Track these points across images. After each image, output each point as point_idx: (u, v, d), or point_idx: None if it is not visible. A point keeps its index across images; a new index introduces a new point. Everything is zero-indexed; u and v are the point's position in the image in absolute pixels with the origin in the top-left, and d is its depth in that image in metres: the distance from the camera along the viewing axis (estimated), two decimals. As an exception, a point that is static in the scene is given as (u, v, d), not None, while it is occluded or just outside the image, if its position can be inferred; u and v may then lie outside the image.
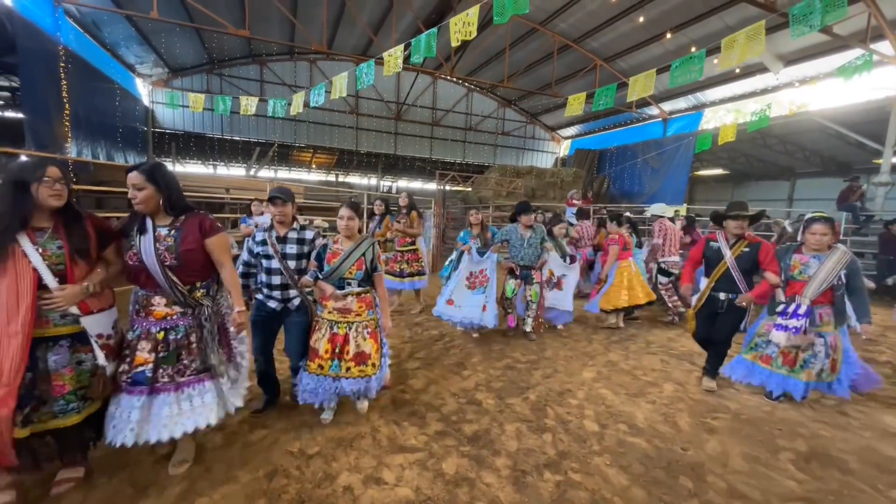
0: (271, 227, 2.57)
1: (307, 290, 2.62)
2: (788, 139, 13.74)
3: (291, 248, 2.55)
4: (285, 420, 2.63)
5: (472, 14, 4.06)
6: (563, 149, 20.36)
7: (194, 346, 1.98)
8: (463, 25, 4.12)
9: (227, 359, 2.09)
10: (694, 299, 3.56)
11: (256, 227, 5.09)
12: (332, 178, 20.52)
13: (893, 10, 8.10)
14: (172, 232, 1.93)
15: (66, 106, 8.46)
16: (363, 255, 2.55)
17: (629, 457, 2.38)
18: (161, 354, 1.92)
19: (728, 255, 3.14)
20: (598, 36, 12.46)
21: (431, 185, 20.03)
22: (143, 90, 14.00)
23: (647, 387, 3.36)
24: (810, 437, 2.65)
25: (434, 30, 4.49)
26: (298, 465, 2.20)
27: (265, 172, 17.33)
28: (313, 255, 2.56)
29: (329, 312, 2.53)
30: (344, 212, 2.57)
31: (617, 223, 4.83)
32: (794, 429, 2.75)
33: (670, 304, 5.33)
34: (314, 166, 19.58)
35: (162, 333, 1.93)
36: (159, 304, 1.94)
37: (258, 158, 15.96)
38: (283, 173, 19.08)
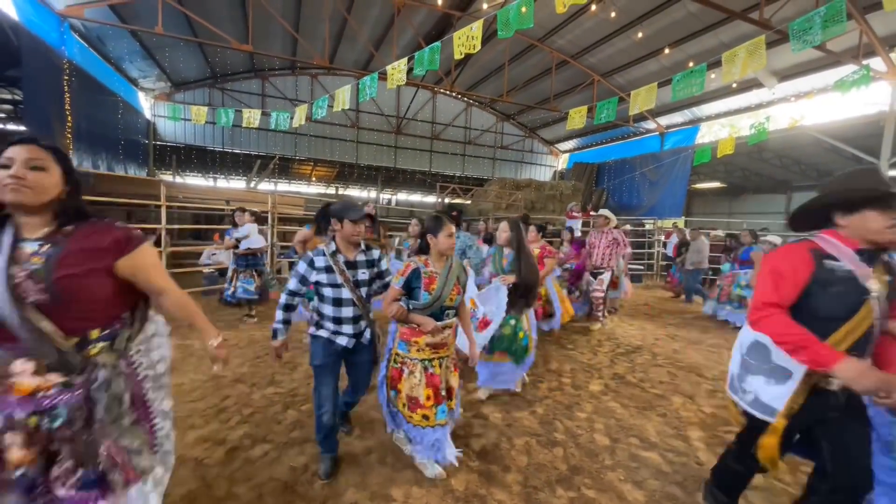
0: (336, 252, 2.13)
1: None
2: (784, 153, 13.92)
3: (363, 274, 2.18)
4: (290, 433, 2.56)
5: (476, 28, 4.12)
6: (562, 162, 20.55)
7: (84, 439, 1.18)
8: (467, 39, 4.19)
9: (150, 447, 1.32)
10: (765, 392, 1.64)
11: (238, 241, 4.95)
12: (331, 190, 20.59)
13: (884, 27, 8.31)
14: (46, 248, 1.17)
15: (69, 118, 8.50)
16: (458, 277, 2.21)
17: (643, 472, 2.32)
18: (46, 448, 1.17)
19: (875, 289, 1.44)
20: (596, 52, 12.69)
21: (431, 198, 20.12)
22: (146, 104, 14.12)
23: (656, 399, 3.30)
24: (826, 451, 2.59)
25: (437, 44, 4.55)
26: (303, 481, 2.13)
27: (265, 185, 17.37)
28: (398, 281, 2.13)
29: (419, 350, 2.14)
30: (451, 228, 2.17)
31: (543, 233, 4.47)
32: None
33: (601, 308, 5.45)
34: (314, 179, 19.66)
35: (34, 420, 1.15)
36: (23, 373, 1.14)
37: (259, 171, 16.02)
38: (283, 186, 19.13)
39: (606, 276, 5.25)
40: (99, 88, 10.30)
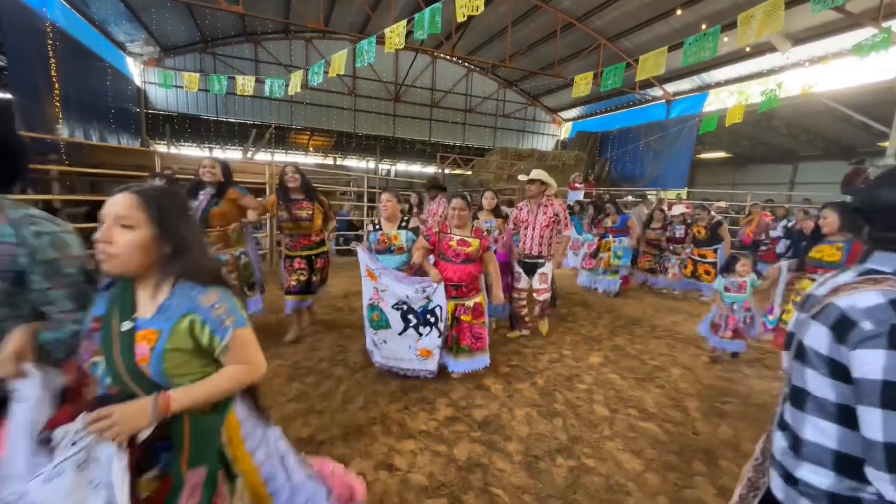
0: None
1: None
2: (793, 121, 13.54)
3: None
4: (294, 405, 2.61)
5: (480, -13, 3.89)
6: (565, 131, 20.08)
7: None
8: (469, 0, 3.95)
9: None
10: None
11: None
12: (329, 160, 20.22)
13: (908, -14, 7.86)
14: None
15: (56, 85, 8.20)
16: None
17: (641, 441, 2.37)
18: None
19: None
20: (603, 14, 12.11)
21: (431, 169, 19.79)
22: (135, 70, 13.61)
23: (655, 371, 3.34)
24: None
25: (438, 4, 4.30)
26: (307, 451, 2.18)
27: (262, 155, 17.04)
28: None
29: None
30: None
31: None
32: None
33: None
34: (311, 149, 19.26)
35: None
36: None
37: (255, 141, 15.67)
38: (280, 156, 18.77)
39: (548, 269, 3.81)
40: (85, 53, 9.88)
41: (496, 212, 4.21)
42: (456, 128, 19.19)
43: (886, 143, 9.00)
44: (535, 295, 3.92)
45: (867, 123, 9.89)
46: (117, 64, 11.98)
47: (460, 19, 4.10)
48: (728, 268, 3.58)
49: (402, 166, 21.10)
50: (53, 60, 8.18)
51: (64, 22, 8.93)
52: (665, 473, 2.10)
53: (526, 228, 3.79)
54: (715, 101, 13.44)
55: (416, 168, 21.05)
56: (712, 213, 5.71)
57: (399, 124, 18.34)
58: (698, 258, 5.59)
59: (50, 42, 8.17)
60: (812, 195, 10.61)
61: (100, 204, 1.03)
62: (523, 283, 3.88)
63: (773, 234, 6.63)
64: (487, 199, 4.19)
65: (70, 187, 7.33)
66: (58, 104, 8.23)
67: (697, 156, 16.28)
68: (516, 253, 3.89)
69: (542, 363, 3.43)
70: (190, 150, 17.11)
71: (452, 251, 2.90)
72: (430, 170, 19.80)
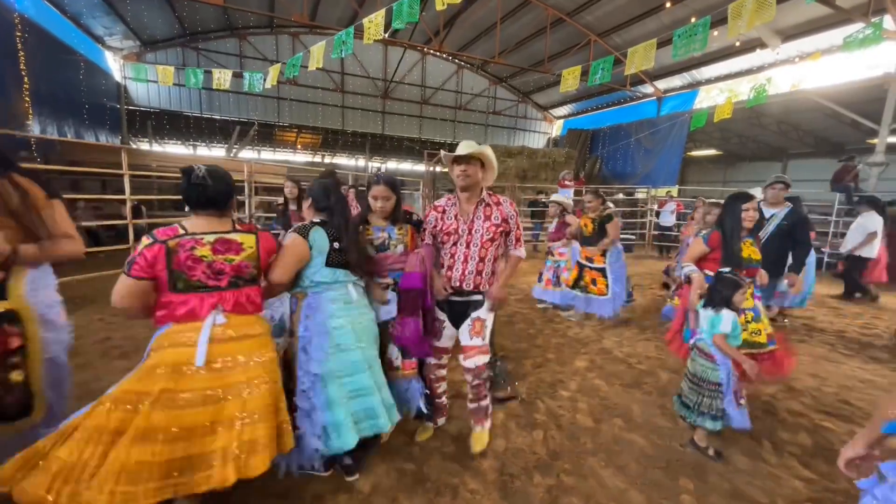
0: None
1: None
2: (783, 118, 13.55)
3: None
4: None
5: (458, -27, 3.70)
6: (556, 129, 19.97)
7: None
8: (447, -14, 3.77)
9: None
10: None
11: None
12: (318, 158, 19.91)
13: (897, -19, 7.80)
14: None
15: (25, 80, 7.86)
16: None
17: (625, 455, 2.21)
18: None
19: None
20: (593, 9, 11.97)
21: (420, 167, 19.58)
22: (114, 65, 13.20)
23: (643, 376, 3.19)
24: (813, 430, 2.51)
25: (417, -8, 4.11)
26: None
27: (248, 153, 16.71)
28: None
29: None
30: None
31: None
32: (796, 420, 2.61)
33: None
34: (299, 146, 18.95)
35: None
36: None
37: (239, 138, 15.34)
38: (267, 154, 18.43)
39: (487, 313, 2.16)
40: (58, 46, 9.50)
41: (397, 215, 2.24)
42: (446, 125, 18.99)
43: (875, 140, 8.99)
44: (463, 360, 2.15)
45: (857, 120, 9.86)
46: (94, 58, 11.59)
47: (439, 8, 3.91)
48: (713, 296, 2.24)
49: (392, 164, 20.86)
50: (23, 54, 7.84)
51: (35, 13, 8.57)
52: (650, 492, 1.95)
53: (454, 245, 2.14)
54: (706, 99, 13.40)
55: (406, 166, 20.83)
56: (609, 202, 4.47)
57: (388, 121, 18.09)
58: (585, 262, 4.29)
59: (19, 34, 7.83)
60: (802, 192, 10.59)
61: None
62: (445, 338, 2.20)
63: None
64: (377, 193, 2.17)
65: (45, 185, 7.04)
66: (27, 99, 7.89)
67: (688, 153, 16.28)
68: (441, 283, 2.13)
69: (525, 368, 3.27)
70: (174, 148, 16.76)
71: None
72: (421, 167, 19.60)
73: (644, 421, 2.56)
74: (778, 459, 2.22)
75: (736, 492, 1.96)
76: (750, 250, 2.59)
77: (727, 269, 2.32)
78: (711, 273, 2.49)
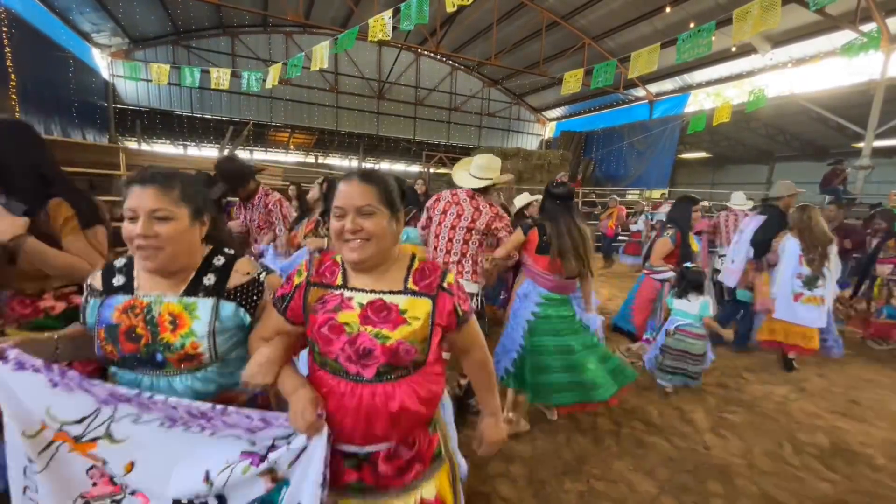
0: None
1: None
2: (771, 122, 13.85)
3: None
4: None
5: (470, -24, 3.69)
6: (549, 131, 20.10)
7: None
8: (460, -11, 3.75)
9: None
10: None
11: None
12: (311, 159, 19.72)
13: (883, -10, 8.06)
14: None
15: (12, 77, 7.62)
16: None
17: (651, 459, 2.21)
18: None
19: None
20: (587, 13, 12.10)
21: (415, 168, 19.55)
22: (102, 62, 12.88)
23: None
24: (829, 430, 2.55)
25: (427, -7, 4.08)
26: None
27: (240, 153, 16.46)
28: None
29: None
30: None
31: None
32: (812, 421, 2.65)
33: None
34: (292, 147, 18.73)
35: None
36: None
37: (231, 138, 15.12)
38: (260, 154, 18.19)
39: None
40: (45, 42, 9.24)
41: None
42: (441, 126, 18.96)
43: (861, 144, 9.25)
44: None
45: (843, 124, 10.12)
46: (81, 55, 11.30)
47: (450, 10, 3.90)
48: (686, 287, 2.90)
49: (386, 165, 20.78)
50: (9, 49, 7.60)
51: (21, 8, 8.32)
52: (681, 496, 1.95)
53: (439, 226, 2.21)
54: (695, 103, 13.65)
55: (400, 167, 20.77)
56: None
57: (383, 122, 17.99)
58: None
59: (5, 29, 7.59)
60: (790, 195, 10.82)
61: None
62: None
63: (633, 227, 6.83)
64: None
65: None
66: (14, 96, 7.65)
67: (679, 156, 16.54)
68: None
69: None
70: (164, 148, 16.44)
71: (349, 342, 0.96)
72: (415, 168, 19.56)
73: (664, 424, 2.57)
74: (800, 461, 2.24)
75: (765, 495, 1.98)
76: (693, 244, 3.27)
77: (690, 264, 2.98)
78: (671, 267, 3.10)
